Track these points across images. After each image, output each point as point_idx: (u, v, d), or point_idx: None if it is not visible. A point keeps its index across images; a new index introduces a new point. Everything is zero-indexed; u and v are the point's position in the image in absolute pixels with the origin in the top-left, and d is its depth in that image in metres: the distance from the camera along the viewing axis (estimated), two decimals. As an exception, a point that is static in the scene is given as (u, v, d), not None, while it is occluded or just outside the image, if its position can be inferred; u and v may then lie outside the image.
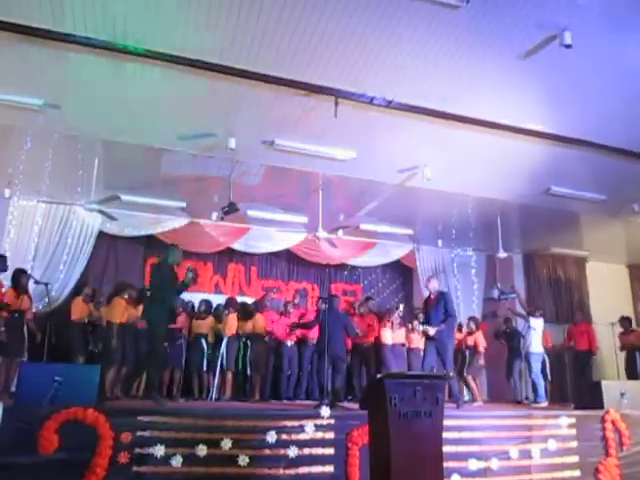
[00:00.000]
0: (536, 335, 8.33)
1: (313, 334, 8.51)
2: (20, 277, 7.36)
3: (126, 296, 7.67)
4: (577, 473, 6.00)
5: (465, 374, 8.75)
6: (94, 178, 7.36)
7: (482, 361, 9.06)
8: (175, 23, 4.64)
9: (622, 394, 6.73)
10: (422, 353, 9.05)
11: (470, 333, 9.09)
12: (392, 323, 8.87)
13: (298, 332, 8.56)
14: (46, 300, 7.93)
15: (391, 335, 8.80)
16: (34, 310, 7.73)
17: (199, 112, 6.10)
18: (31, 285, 7.69)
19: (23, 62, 5.18)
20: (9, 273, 7.32)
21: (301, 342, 8.62)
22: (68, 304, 8.28)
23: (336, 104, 5.68)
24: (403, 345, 8.99)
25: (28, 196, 8.58)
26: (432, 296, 7.26)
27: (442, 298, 7.18)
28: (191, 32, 4.75)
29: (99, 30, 4.70)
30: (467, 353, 8.85)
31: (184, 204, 8.98)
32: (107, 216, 8.10)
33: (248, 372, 8.10)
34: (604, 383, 6.85)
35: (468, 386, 8.84)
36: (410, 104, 5.81)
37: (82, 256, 9.01)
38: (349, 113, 5.89)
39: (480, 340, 8.99)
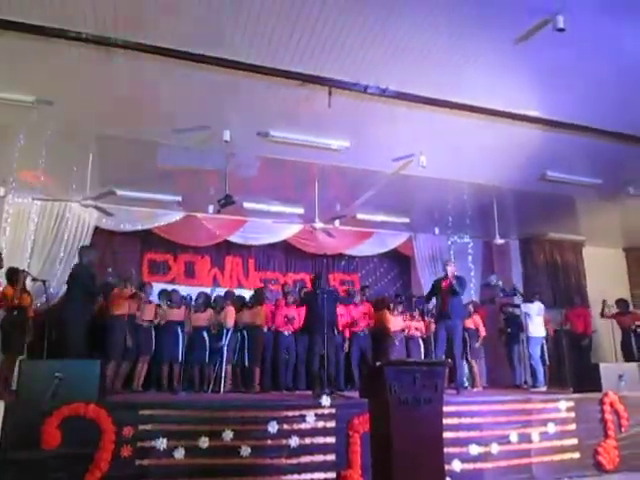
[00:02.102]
0: (533, 320, 8.38)
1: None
2: (17, 274, 7.34)
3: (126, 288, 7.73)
4: (577, 455, 6.07)
5: (470, 358, 8.82)
6: (89, 174, 7.32)
7: (478, 343, 9.13)
8: (166, 15, 4.61)
9: (620, 376, 6.78)
10: (420, 340, 9.26)
11: (468, 316, 9.13)
12: (396, 311, 8.95)
13: (297, 322, 8.58)
14: (44, 297, 7.91)
15: (394, 322, 8.86)
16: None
17: (193, 104, 6.07)
18: (29, 283, 7.67)
19: (14, 58, 5.14)
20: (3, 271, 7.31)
21: (298, 331, 8.63)
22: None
23: (330, 94, 5.67)
24: (402, 331, 9.04)
25: (23, 194, 8.54)
26: (448, 281, 7.18)
27: (462, 284, 7.23)
28: (182, 23, 4.72)
29: (89, 24, 4.66)
30: (466, 335, 8.90)
31: (180, 198, 8.97)
32: (103, 212, 8.08)
33: (246, 364, 8.12)
34: (602, 366, 6.90)
35: (471, 370, 8.91)
36: (404, 92, 5.79)
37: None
38: (343, 102, 5.87)
39: (479, 324, 9.06)
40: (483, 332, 9.13)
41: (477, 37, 4.92)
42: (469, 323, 9.01)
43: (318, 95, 5.75)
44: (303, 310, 8.41)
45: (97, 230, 9.24)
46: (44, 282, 7.33)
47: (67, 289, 7.07)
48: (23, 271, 7.47)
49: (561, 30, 4.50)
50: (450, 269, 7.30)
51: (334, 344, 7.21)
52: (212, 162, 7.42)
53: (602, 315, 9.84)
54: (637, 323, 9.66)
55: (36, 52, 5.01)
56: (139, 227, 9.61)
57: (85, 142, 6.87)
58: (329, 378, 6.89)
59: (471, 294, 10.81)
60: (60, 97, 5.83)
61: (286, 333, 8.50)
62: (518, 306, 9.05)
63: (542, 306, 8.56)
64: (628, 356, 9.41)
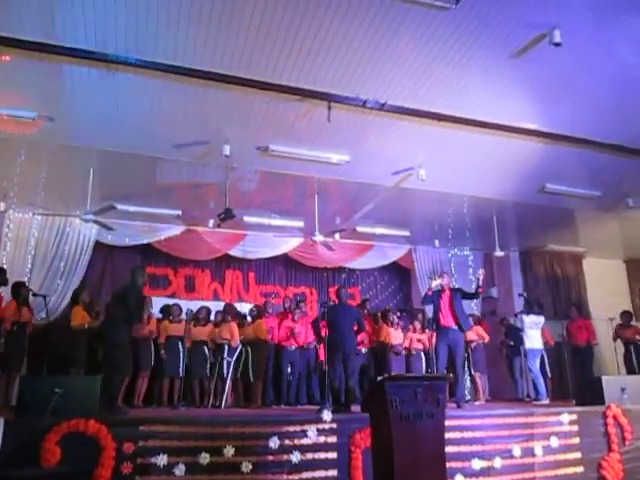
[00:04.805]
0: (531, 332, 8.35)
1: (311, 337, 8.50)
2: (20, 290, 7.37)
3: None
4: (580, 469, 6.02)
5: (473, 372, 8.78)
6: (89, 189, 7.35)
7: (484, 357, 9.11)
8: (166, 32, 4.66)
9: (623, 389, 6.74)
10: (422, 354, 9.22)
11: (469, 328, 9.11)
12: (397, 325, 8.93)
13: (301, 338, 8.53)
14: (44, 312, 7.90)
15: (395, 336, 8.84)
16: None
17: (193, 120, 6.11)
18: (30, 298, 7.67)
19: (15, 74, 5.19)
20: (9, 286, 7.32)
21: (302, 346, 8.60)
22: (67, 316, 8.29)
23: (329, 108, 5.71)
24: (403, 345, 9.01)
25: (24, 209, 8.58)
26: (447, 292, 7.20)
27: (460, 293, 7.23)
28: (183, 41, 4.77)
29: (90, 41, 4.72)
30: (469, 350, 8.88)
31: (180, 212, 8.99)
32: (103, 226, 8.10)
33: (251, 378, 8.07)
34: (604, 379, 6.86)
35: (474, 383, 8.86)
36: (403, 106, 5.84)
37: (79, 267, 9.00)
38: (342, 117, 5.92)
39: (482, 333, 9.05)
40: (487, 338, 9.08)
41: (475, 52, 4.97)
42: (471, 335, 8.99)
43: (317, 110, 5.80)
44: (308, 325, 8.40)
45: (97, 245, 9.25)
46: (44, 297, 7.33)
47: (114, 308, 6.52)
48: (27, 286, 7.51)
49: (558, 44, 4.54)
50: (446, 281, 7.30)
51: (354, 360, 6.98)
52: (212, 176, 7.46)
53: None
54: (638, 337, 9.64)
55: (37, 68, 5.05)
56: (139, 241, 9.62)
57: (86, 157, 6.91)
58: (347, 391, 6.68)
59: (472, 307, 10.80)
60: (61, 113, 5.87)
61: (290, 348, 8.46)
62: (516, 316, 9.02)
63: (539, 319, 8.52)
64: (630, 368, 9.37)
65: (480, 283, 7.20)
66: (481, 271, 7.39)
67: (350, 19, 4.53)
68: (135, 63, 4.97)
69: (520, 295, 9.64)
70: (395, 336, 8.93)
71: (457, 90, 5.58)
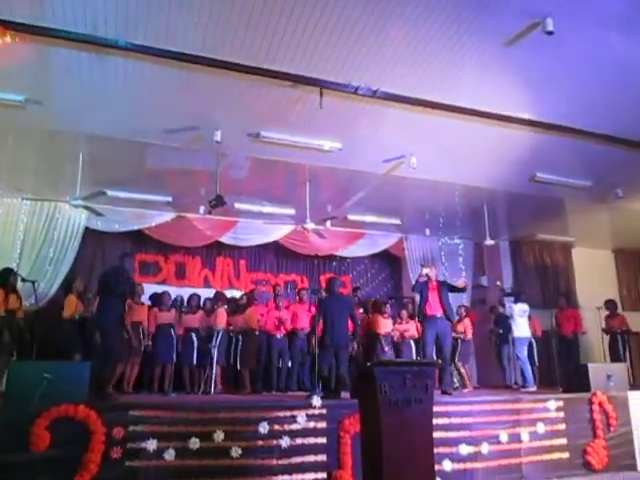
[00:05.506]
0: (517, 321, 8.42)
1: (303, 324, 8.51)
2: (9, 276, 7.31)
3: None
4: (566, 455, 6.13)
5: (456, 361, 8.84)
6: (79, 174, 7.27)
7: (472, 349, 9.18)
8: (157, 16, 4.60)
9: (609, 376, 6.84)
10: (412, 342, 9.26)
11: (459, 320, 9.18)
12: (387, 314, 8.96)
13: (288, 324, 8.57)
14: (33, 298, 7.86)
15: (385, 325, 8.87)
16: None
17: (183, 105, 6.05)
18: (18, 283, 7.62)
19: (2, 57, 5.10)
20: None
21: (291, 333, 8.63)
22: (56, 301, 8.25)
23: (321, 95, 5.68)
24: (393, 334, 9.03)
25: (12, 193, 8.49)
26: (434, 283, 7.27)
27: (446, 286, 7.31)
28: (173, 25, 4.71)
29: (79, 23, 4.65)
30: (459, 341, 8.93)
31: (171, 198, 8.93)
32: (93, 212, 8.02)
33: (238, 366, 8.10)
34: (591, 366, 6.96)
35: (459, 373, 8.93)
36: (395, 93, 5.82)
37: (69, 253, 8.94)
38: (334, 104, 5.89)
39: (468, 328, 9.08)
40: (470, 336, 9.13)
41: (468, 39, 4.95)
42: (460, 327, 9.04)
43: (309, 96, 5.77)
44: (295, 312, 8.43)
45: (87, 231, 9.18)
46: (33, 283, 7.29)
47: (100, 294, 6.62)
48: (16, 272, 7.45)
49: (550, 33, 4.54)
50: (433, 272, 7.37)
51: (347, 351, 7.06)
52: (203, 163, 7.40)
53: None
54: (624, 328, 9.75)
55: (26, 51, 4.97)
56: (130, 228, 9.55)
57: (75, 142, 6.83)
58: (338, 379, 6.85)
59: (462, 296, 10.86)
60: (49, 96, 5.79)
61: (278, 336, 8.49)
62: (503, 306, 9.09)
63: (527, 307, 8.59)
64: (615, 357, 9.49)
65: (459, 288, 7.42)
66: (462, 280, 7.61)
67: (343, 5, 4.49)
68: (125, 47, 4.90)
69: (499, 288, 9.73)
70: (385, 325, 8.94)
71: (449, 78, 5.56)
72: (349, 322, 6.89)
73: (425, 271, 7.34)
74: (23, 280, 7.50)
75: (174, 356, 7.97)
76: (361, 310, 9.27)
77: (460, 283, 7.50)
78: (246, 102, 5.99)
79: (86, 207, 7.76)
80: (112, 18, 4.61)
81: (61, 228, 8.90)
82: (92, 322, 7.10)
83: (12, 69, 5.31)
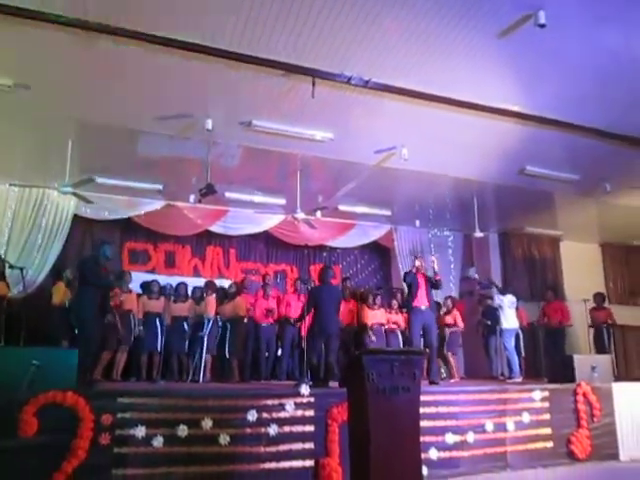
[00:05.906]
0: (505, 312, 8.49)
1: (294, 313, 8.52)
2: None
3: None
4: (550, 444, 6.23)
5: (445, 352, 8.91)
6: (68, 160, 7.21)
7: (460, 340, 9.26)
8: (149, 1, 4.55)
9: (593, 368, 6.95)
10: (399, 332, 9.32)
11: (448, 312, 9.25)
12: (377, 305, 8.99)
13: (276, 313, 8.59)
14: (21, 285, 7.81)
15: (373, 316, 8.90)
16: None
17: (175, 92, 6.01)
18: (6, 270, 7.57)
19: (-9, 40, 5.04)
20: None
21: (280, 322, 8.64)
22: (44, 288, 8.21)
23: (313, 84, 5.65)
24: (381, 325, 9.08)
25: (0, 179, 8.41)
26: (422, 276, 7.37)
27: (429, 281, 7.38)
28: (165, 10, 4.66)
29: (69, 7, 4.59)
30: (446, 332, 9.00)
31: (161, 186, 8.89)
32: (82, 199, 7.95)
33: (227, 354, 8.12)
34: (576, 357, 7.06)
35: (447, 363, 9.01)
36: (387, 84, 5.81)
37: (57, 240, 8.88)
38: (327, 94, 5.87)
39: (458, 319, 9.15)
40: (461, 325, 9.21)
41: (460, 31, 4.94)
42: (449, 319, 9.11)
43: (302, 85, 5.74)
44: (288, 302, 8.43)
45: (76, 218, 9.12)
46: (22, 270, 7.25)
47: (78, 283, 6.77)
48: (4, 259, 7.39)
49: (542, 26, 4.55)
50: (419, 263, 7.45)
51: (336, 340, 7.06)
52: (194, 151, 7.36)
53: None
54: (609, 321, 9.87)
55: (14, 35, 4.90)
56: (119, 216, 9.50)
57: (64, 128, 6.77)
58: (327, 366, 6.91)
59: (451, 288, 10.95)
60: (38, 81, 5.73)
61: (265, 324, 8.50)
62: (492, 298, 9.17)
63: (514, 299, 8.67)
64: (600, 349, 9.62)
65: (436, 269, 7.51)
66: (433, 259, 7.73)
67: (336, -7, 4.47)
68: (115, 31, 4.85)
69: (477, 281, 9.84)
70: (373, 316, 8.97)
71: (442, 69, 5.55)
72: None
73: (418, 263, 7.40)
74: (11, 267, 7.45)
75: (159, 345, 7.96)
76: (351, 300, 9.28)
77: (432, 261, 7.64)
78: (238, 91, 5.95)
79: (75, 194, 7.70)
80: (103, 2, 4.55)
81: (50, 215, 8.83)
82: (70, 311, 7.10)
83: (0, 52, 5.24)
